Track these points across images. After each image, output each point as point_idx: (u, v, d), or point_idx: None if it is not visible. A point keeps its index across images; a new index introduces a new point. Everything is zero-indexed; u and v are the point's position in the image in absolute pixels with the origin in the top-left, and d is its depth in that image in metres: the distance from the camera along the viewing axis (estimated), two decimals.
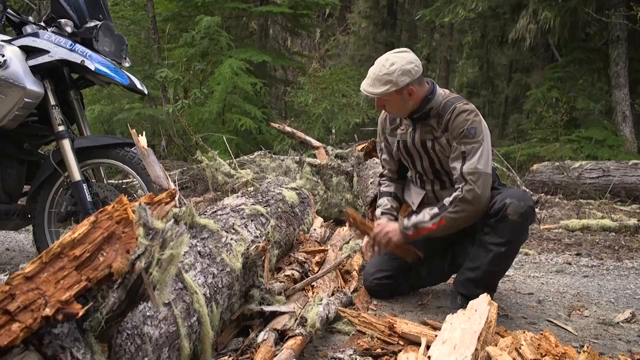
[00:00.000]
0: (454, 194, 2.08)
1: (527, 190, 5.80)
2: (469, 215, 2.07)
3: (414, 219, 2.15)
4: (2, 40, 2.59)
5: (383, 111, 2.39)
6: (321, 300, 1.95)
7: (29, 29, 2.71)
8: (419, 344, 1.67)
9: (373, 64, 2.18)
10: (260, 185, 2.97)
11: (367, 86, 2.16)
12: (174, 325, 1.29)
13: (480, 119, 2.12)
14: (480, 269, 2.14)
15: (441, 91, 2.23)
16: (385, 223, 2.27)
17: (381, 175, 2.60)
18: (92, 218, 0.98)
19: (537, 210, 5.15)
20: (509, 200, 2.04)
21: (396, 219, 2.47)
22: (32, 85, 2.55)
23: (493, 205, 2.08)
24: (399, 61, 2.10)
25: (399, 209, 2.53)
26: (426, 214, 2.12)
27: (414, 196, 2.43)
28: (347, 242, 3.01)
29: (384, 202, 2.50)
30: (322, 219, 3.32)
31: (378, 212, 2.51)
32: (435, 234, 2.14)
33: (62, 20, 2.66)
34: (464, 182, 2.06)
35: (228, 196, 2.65)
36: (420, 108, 2.19)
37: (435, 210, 2.10)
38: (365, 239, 2.38)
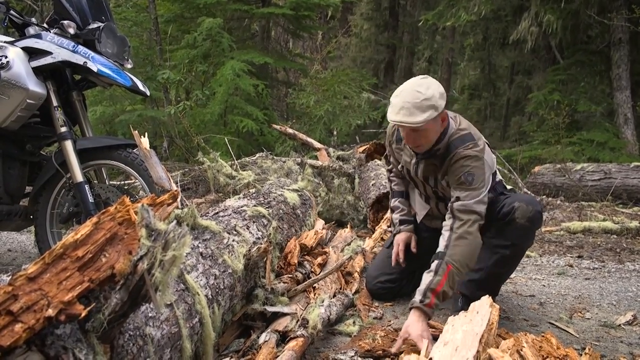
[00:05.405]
0: (446, 236, 1.97)
1: (529, 192, 5.79)
2: (468, 249, 1.94)
3: (421, 288, 1.90)
4: (5, 42, 2.60)
5: (392, 123, 2.17)
6: (323, 301, 1.95)
7: (31, 30, 2.72)
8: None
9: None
10: (262, 186, 2.97)
11: (404, 117, 1.91)
12: (176, 326, 1.30)
13: (482, 162, 2.00)
14: (484, 270, 2.14)
15: (453, 125, 2.08)
16: (406, 325, 1.84)
17: (389, 171, 2.54)
18: (94, 219, 0.98)
19: None
20: (517, 204, 2.04)
21: (415, 224, 2.43)
22: (34, 86, 2.56)
23: (502, 209, 2.07)
24: (433, 85, 1.95)
25: (410, 211, 2.47)
26: (427, 275, 1.92)
27: (419, 207, 2.40)
28: (349, 244, 3.02)
29: (398, 205, 2.47)
30: (323, 221, 3.32)
31: (396, 217, 2.45)
32: (451, 285, 1.90)
33: (65, 22, 2.66)
34: (452, 218, 1.98)
35: (230, 198, 2.65)
36: (432, 146, 2.06)
37: (435, 262, 1.93)
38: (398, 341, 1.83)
